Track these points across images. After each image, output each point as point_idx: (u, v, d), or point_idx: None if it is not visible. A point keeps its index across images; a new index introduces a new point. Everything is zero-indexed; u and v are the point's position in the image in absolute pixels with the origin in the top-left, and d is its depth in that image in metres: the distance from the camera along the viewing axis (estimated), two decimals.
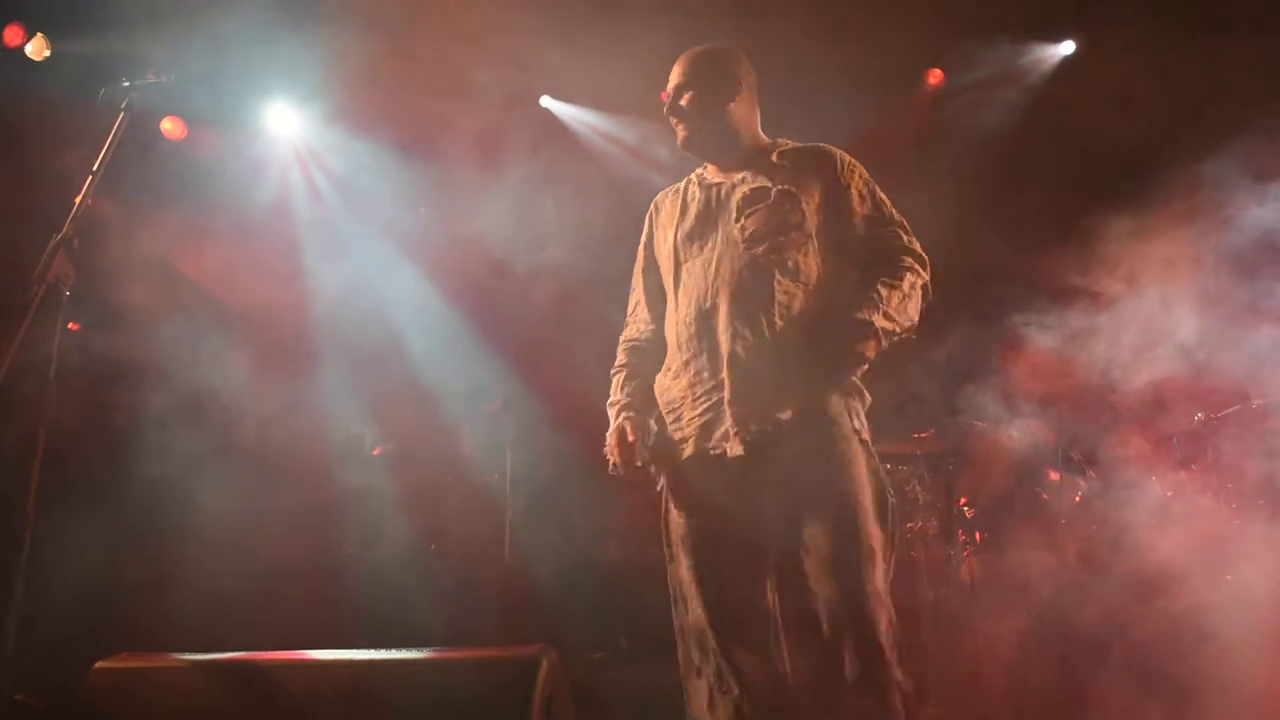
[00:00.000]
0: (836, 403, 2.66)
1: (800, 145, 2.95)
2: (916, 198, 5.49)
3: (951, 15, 5.60)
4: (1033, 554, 4.55)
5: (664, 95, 3.00)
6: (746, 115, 2.97)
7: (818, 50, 5.22)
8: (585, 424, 4.86)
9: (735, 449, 2.65)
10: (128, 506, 4.31)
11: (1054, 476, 4.82)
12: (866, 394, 2.75)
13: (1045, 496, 4.76)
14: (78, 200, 3.70)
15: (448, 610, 5.02)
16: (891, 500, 2.66)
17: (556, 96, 5.73)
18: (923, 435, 4.86)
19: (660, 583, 4.87)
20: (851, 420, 2.67)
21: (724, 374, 2.69)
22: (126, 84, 3.83)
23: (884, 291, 2.69)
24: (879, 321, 2.64)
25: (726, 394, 2.68)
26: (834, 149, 2.92)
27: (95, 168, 3.69)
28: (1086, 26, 5.92)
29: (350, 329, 4.70)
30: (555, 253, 5.24)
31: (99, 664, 3.05)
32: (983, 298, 5.19)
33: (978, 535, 4.80)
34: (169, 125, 5.40)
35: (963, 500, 4.85)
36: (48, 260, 3.65)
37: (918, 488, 4.88)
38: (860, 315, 2.64)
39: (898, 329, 2.68)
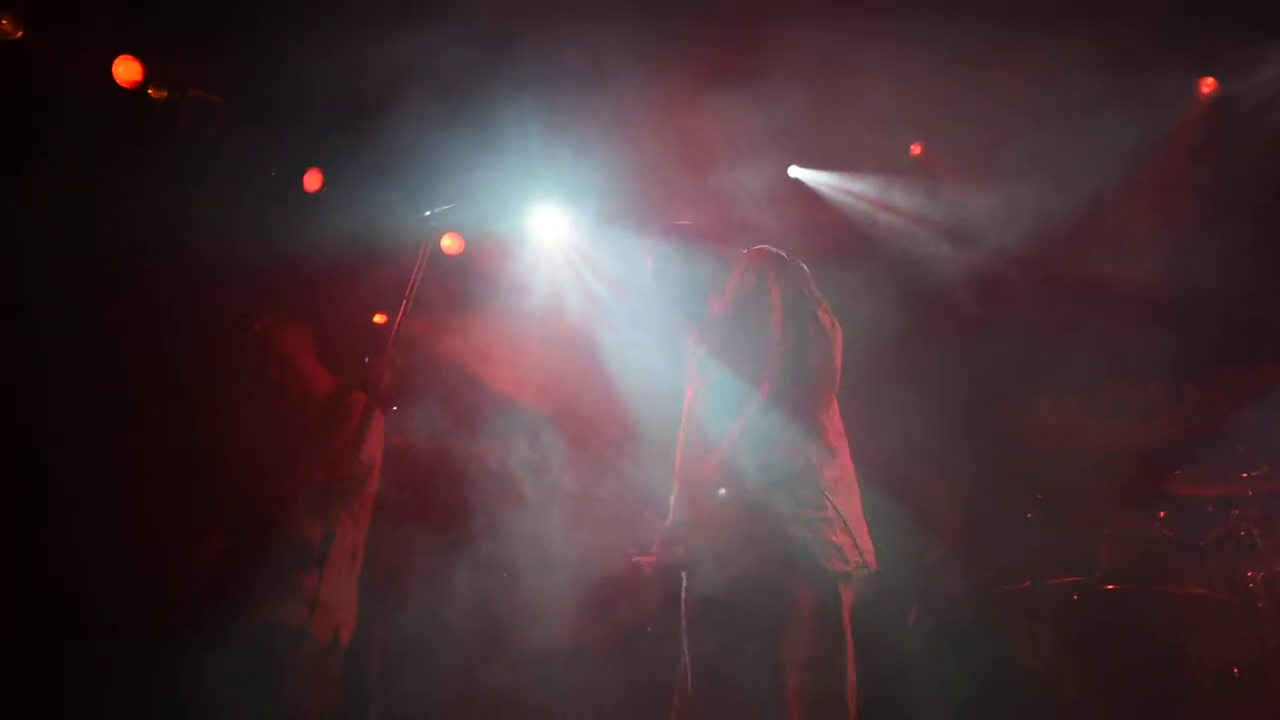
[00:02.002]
0: None
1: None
2: (1202, 222, 5.31)
3: (1220, 18, 5.35)
4: None
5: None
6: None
7: (1082, 77, 5.11)
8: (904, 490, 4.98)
9: None
10: (453, 606, 4.70)
11: None
12: None
13: None
14: (397, 322, 4.14)
15: None
16: None
17: (804, 165, 5.81)
18: (1253, 474, 4.59)
19: None
20: None
21: None
22: (428, 213, 4.27)
23: None
24: None
25: None
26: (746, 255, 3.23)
27: (407, 291, 4.14)
28: None
29: (643, 416, 4.95)
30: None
31: None
32: None
33: None
34: (449, 242, 5.84)
35: None
36: (375, 380, 4.12)
37: (1254, 531, 4.59)
38: None
39: None
